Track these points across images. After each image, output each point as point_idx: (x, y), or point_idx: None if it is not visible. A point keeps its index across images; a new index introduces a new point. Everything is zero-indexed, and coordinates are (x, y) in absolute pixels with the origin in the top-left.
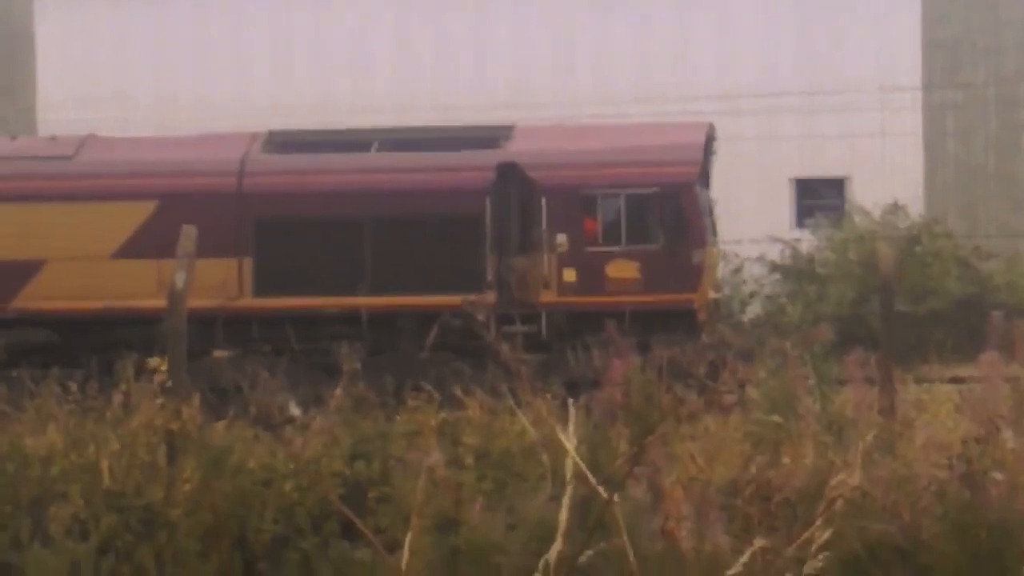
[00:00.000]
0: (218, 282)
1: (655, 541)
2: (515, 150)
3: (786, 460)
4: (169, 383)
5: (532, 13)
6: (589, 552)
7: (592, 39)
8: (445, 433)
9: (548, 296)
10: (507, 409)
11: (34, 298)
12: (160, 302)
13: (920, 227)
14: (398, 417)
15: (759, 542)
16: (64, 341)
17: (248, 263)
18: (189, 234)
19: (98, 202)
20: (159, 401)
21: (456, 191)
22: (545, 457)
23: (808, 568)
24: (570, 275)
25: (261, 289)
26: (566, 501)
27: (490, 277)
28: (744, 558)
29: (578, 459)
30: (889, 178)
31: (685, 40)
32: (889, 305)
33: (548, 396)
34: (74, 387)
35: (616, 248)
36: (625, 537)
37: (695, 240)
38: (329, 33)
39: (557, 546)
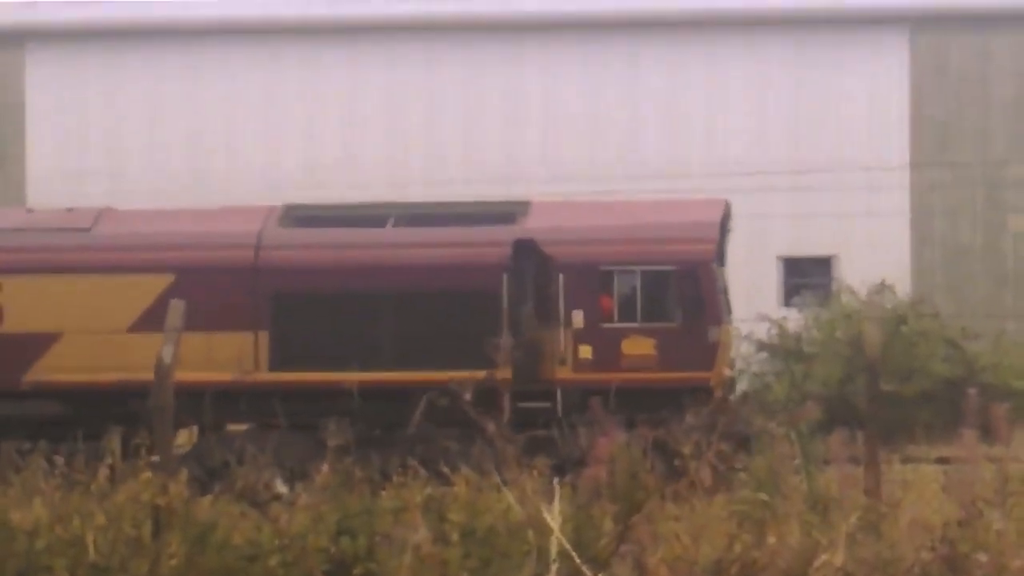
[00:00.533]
0: (234, 355)
1: None
2: (532, 226)
3: (771, 539)
4: (156, 458)
5: (522, 86)
6: None
7: (582, 112)
8: (431, 509)
9: (564, 372)
10: (493, 486)
11: (50, 370)
12: (176, 375)
13: (907, 307)
14: (384, 493)
15: None
16: (79, 414)
17: (264, 337)
18: (177, 308)
19: (115, 274)
20: (145, 476)
21: (473, 267)
22: (531, 535)
23: None
24: (586, 351)
25: (277, 363)
26: None
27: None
28: None
29: (562, 538)
30: (876, 257)
31: (675, 115)
32: (875, 385)
33: (535, 473)
34: (60, 461)
35: (632, 325)
36: None
37: (712, 318)
38: (321, 104)
39: None
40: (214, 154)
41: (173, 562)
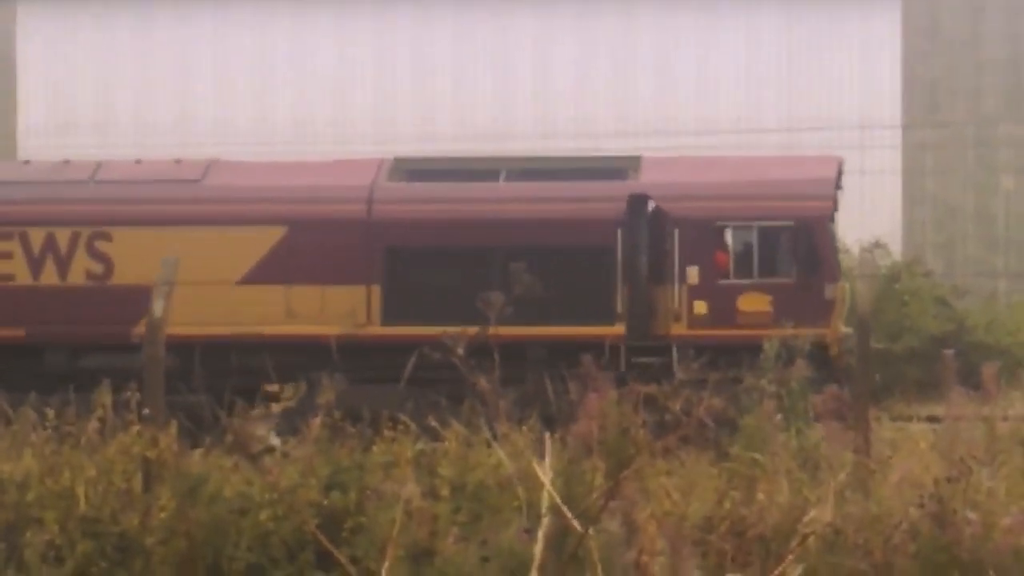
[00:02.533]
0: (347, 309)
1: (629, 575)
2: (646, 181)
3: (760, 496)
4: (146, 411)
5: (513, 43)
6: None
7: (572, 71)
8: (421, 464)
9: (678, 328)
10: (483, 441)
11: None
12: (289, 328)
13: (900, 265)
14: (374, 448)
15: None
16: (188, 367)
17: (377, 290)
18: (169, 264)
19: (226, 227)
20: (135, 428)
21: (587, 221)
22: (521, 490)
23: None
24: (701, 307)
25: (389, 317)
26: (541, 534)
27: (620, 309)
28: None
29: (553, 492)
30: (868, 215)
31: (667, 74)
32: (865, 342)
33: (525, 429)
34: (51, 413)
35: (748, 281)
36: (599, 571)
37: (829, 275)
38: (311, 56)
39: None
40: (203, 107)
41: (164, 515)
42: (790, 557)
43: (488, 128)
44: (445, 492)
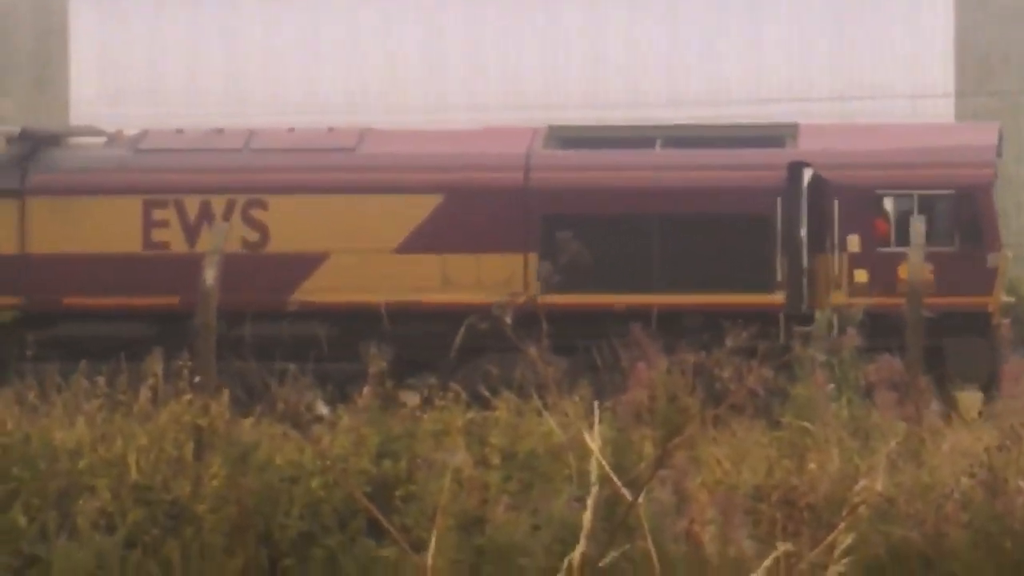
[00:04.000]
0: (504, 277)
1: (679, 544)
2: (805, 149)
3: (812, 466)
4: (198, 379)
5: (563, 12)
6: (613, 553)
7: (622, 41)
8: (472, 433)
9: (838, 297)
10: (534, 410)
11: (316, 291)
12: (445, 297)
13: None
14: (425, 416)
15: (783, 547)
16: (344, 335)
17: (534, 259)
18: (220, 230)
19: (382, 195)
20: (187, 397)
21: (747, 189)
22: (571, 458)
23: (831, 573)
24: (861, 276)
25: (548, 285)
26: (590, 502)
27: (780, 277)
28: (767, 562)
29: (603, 460)
30: None
31: (716, 44)
32: (917, 311)
33: (576, 398)
34: (102, 381)
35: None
36: (649, 539)
37: (991, 243)
38: (360, 25)
39: (581, 547)
40: (253, 77)
41: (215, 483)
42: (841, 526)
43: (538, 99)
44: (495, 461)
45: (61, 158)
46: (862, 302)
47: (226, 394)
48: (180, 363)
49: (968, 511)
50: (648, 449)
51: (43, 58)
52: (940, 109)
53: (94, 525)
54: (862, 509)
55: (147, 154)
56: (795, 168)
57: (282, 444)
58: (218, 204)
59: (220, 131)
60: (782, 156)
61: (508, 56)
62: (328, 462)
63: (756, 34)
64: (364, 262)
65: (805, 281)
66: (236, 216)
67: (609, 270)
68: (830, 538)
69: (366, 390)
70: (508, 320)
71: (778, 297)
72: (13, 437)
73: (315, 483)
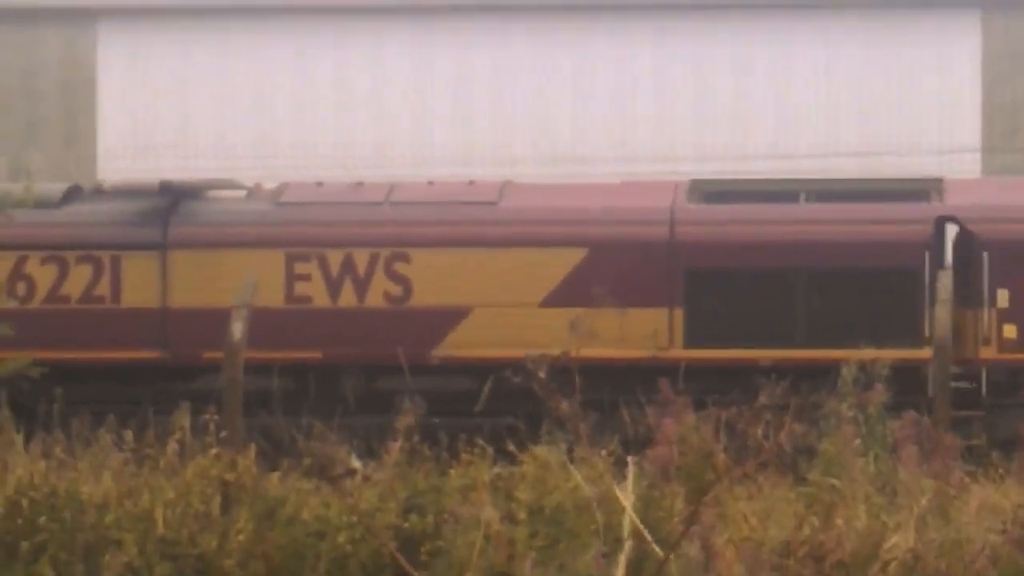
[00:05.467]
0: (649, 332)
1: None
2: (951, 203)
3: (839, 522)
4: (224, 434)
5: (593, 64)
6: None
7: (650, 92)
8: (498, 488)
9: (987, 352)
10: (561, 465)
11: (459, 346)
12: (589, 351)
13: None
14: (452, 471)
15: None
16: (481, 390)
17: (679, 313)
18: (247, 287)
19: (526, 248)
20: (214, 451)
21: (894, 244)
22: (598, 514)
23: None
24: (1011, 331)
25: (692, 340)
26: (622, 559)
27: (927, 332)
28: None
29: (634, 516)
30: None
31: (743, 99)
32: (945, 367)
33: (604, 453)
34: (129, 436)
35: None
36: None
37: None
38: (389, 78)
39: None
40: (282, 129)
41: (241, 537)
42: None
43: (566, 153)
44: (522, 516)
45: (202, 211)
46: (1012, 357)
47: (253, 449)
48: (207, 417)
49: (997, 568)
50: (676, 505)
51: (71, 112)
52: (967, 165)
53: None
54: (892, 566)
55: (288, 207)
56: (941, 222)
57: (309, 498)
58: (360, 258)
59: (360, 184)
60: (929, 210)
61: (537, 107)
62: (356, 517)
63: (783, 89)
64: (508, 316)
65: (953, 336)
66: (379, 270)
67: (754, 324)
68: None
69: (395, 444)
70: (542, 375)
71: (926, 352)
72: (40, 491)
73: (342, 538)
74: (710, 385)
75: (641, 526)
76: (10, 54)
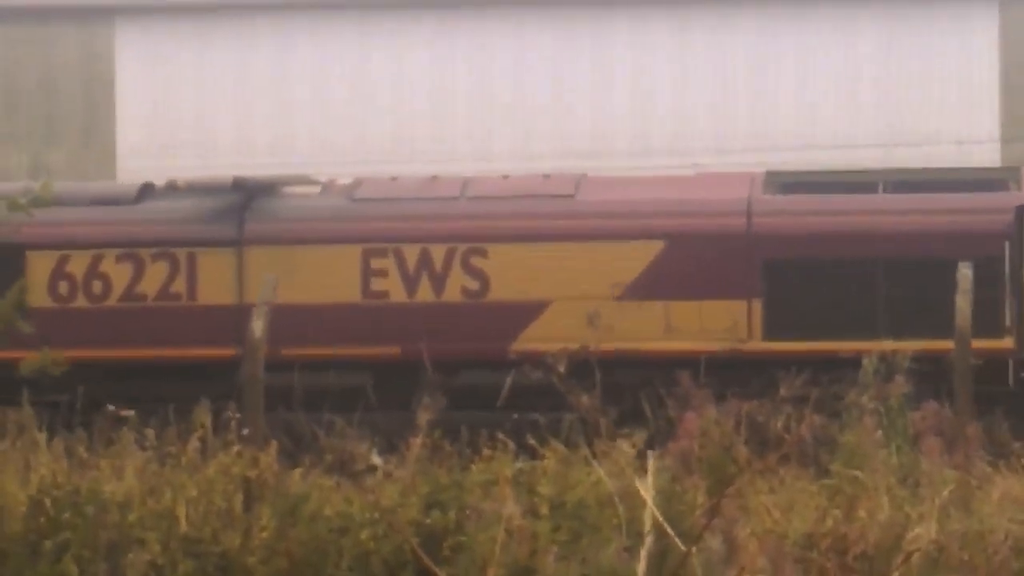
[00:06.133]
0: (727, 325)
1: None
2: None
3: (862, 514)
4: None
5: (612, 57)
6: None
7: (668, 86)
8: (520, 483)
9: None
10: (582, 459)
11: (537, 339)
12: (668, 344)
13: None
14: (474, 467)
15: None
16: (565, 384)
17: (758, 305)
18: (270, 283)
19: (603, 242)
20: (235, 449)
21: (973, 234)
22: (620, 508)
23: None
24: None
25: (771, 332)
26: (644, 552)
27: (1008, 322)
28: None
29: (656, 511)
30: None
31: (763, 91)
32: (965, 357)
33: (625, 447)
34: (151, 434)
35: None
36: None
37: None
38: (408, 74)
39: None
40: (302, 126)
41: (264, 534)
42: (895, 574)
43: (585, 147)
44: (544, 510)
45: (278, 207)
46: None
47: (274, 446)
48: (229, 415)
49: (1021, 559)
50: (698, 498)
51: (90, 110)
52: (986, 155)
53: None
54: (915, 557)
55: (364, 203)
56: (1021, 212)
57: (331, 495)
58: (437, 252)
59: (435, 178)
60: (1008, 200)
61: (558, 102)
62: (378, 513)
63: (802, 80)
64: (585, 310)
65: None
66: (456, 265)
67: (832, 316)
68: None
69: (416, 440)
70: (561, 370)
71: (1007, 342)
72: (63, 490)
73: (365, 534)
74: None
75: (663, 520)
76: (28, 53)
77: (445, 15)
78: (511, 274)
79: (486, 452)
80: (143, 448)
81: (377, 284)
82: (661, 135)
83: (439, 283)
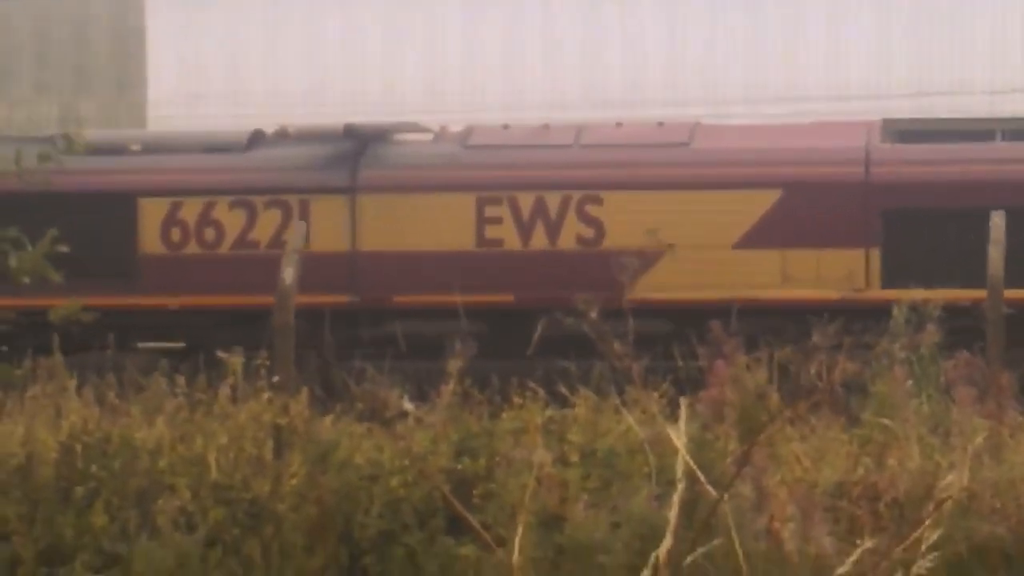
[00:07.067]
0: (844, 273)
1: (760, 542)
2: None
3: (892, 462)
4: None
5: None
6: (700, 551)
7: (702, 41)
8: (550, 430)
9: None
10: (613, 407)
11: (652, 288)
12: (785, 293)
13: None
14: (504, 415)
15: (867, 543)
16: (680, 332)
17: (875, 254)
18: (299, 231)
19: (719, 191)
20: (266, 396)
21: None
22: (651, 455)
23: (916, 569)
24: None
25: (888, 281)
26: (676, 499)
27: None
28: (852, 558)
29: (688, 458)
30: None
31: (795, 40)
32: (997, 306)
33: (656, 395)
34: (182, 380)
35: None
36: (735, 537)
37: None
38: (440, 23)
39: (667, 543)
40: (334, 74)
41: (294, 481)
42: (927, 522)
43: (618, 97)
44: (575, 458)
45: (391, 155)
46: None
47: (305, 392)
48: (258, 362)
49: None
50: (729, 446)
51: (121, 59)
52: (1019, 105)
53: (175, 524)
54: (947, 505)
55: (477, 150)
56: None
57: (361, 442)
58: (552, 200)
59: (546, 127)
60: None
61: (588, 51)
62: (408, 460)
63: (834, 30)
64: (702, 258)
65: None
66: (571, 212)
67: (952, 266)
68: (915, 534)
69: (447, 388)
70: (593, 315)
71: None
72: (94, 436)
73: (395, 481)
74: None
75: (695, 467)
76: (60, 4)
77: None
78: (626, 222)
79: (516, 400)
80: (174, 395)
81: (491, 232)
82: (694, 85)
83: (554, 231)
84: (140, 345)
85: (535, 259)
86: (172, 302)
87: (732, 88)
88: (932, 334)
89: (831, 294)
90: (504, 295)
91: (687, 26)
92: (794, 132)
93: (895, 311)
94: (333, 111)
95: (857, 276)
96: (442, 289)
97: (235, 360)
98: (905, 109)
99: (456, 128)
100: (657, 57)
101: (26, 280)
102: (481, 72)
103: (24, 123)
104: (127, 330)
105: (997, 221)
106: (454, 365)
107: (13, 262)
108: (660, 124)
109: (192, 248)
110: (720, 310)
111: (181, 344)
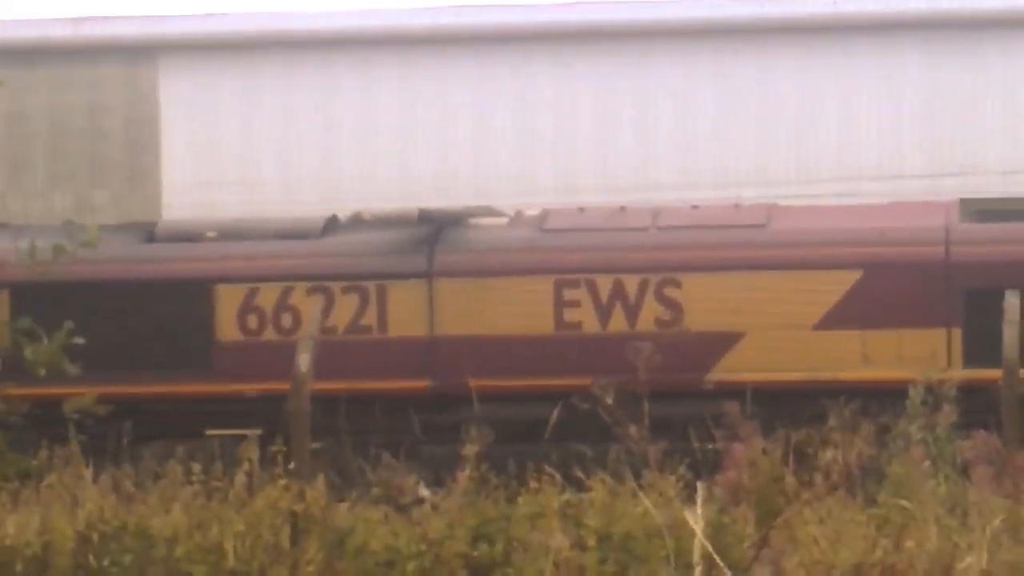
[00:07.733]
0: (927, 353)
1: None
2: None
3: (910, 544)
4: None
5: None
6: None
7: (712, 125)
8: (567, 515)
9: None
10: (629, 491)
11: (732, 369)
12: (866, 373)
13: None
14: (520, 498)
15: None
16: (763, 414)
17: (957, 334)
18: (316, 316)
19: (799, 271)
20: (282, 482)
21: None
22: (668, 539)
23: None
24: None
25: (971, 360)
26: None
27: None
28: None
29: (706, 542)
30: None
31: (807, 122)
32: (1013, 385)
33: (673, 478)
34: (197, 468)
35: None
36: None
37: None
38: (452, 112)
39: None
40: (347, 162)
41: (311, 568)
42: None
43: (629, 180)
44: (592, 542)
45: (466, 239)
46: None
47: (321, 479)
48: (275, 449)
49: None
50: (747, 529)
51: (135, 149)
52: None
53: None
54: None
55: (554, 233)
56: None
57: (377, 528)
58: (630, 283)
59: (623, 209)
60: None
61: (599, 134)
62: (425, 545)
63: (847, 113)
64: (782, 340)
65: None
66: (649, 295)
67: None
68: None
69: (462, 473)
70: (609, 400)
71: None
72: (110, 525)
73: (411, 566)
74: (990, 406)
75: (712, 550)
76: (73, 93)
77: (488, 51)
78: (705, 304)
79: (533, 484)
80: (190, 482)
81: (570, 315)
82: (703, 168)
83: (632, 314)
84: (215, 432)
85: (614, 342)
86: (249, 388)
87: (744, 172)
88: (949, 415)
89: (912, 374)
90: (582, 378)
91: (697, 112)
92: (872, 212)
93: (911, 391)
94: (348, 196)
95: (939, 356)
96: (520, 373)
97: (250, 447)
98: (918, 189)
99: (531, 212)
100: (668, 146)
101: (42, 372)
102: (493, 154)
103: (41, 214)
104: (202, 417)
105: (1012, 301)
106: (470, 450)
107: (28, 353)
108: (736, 205)
109: (269, 335)
110: (800, 392)
111: (258, 431)
